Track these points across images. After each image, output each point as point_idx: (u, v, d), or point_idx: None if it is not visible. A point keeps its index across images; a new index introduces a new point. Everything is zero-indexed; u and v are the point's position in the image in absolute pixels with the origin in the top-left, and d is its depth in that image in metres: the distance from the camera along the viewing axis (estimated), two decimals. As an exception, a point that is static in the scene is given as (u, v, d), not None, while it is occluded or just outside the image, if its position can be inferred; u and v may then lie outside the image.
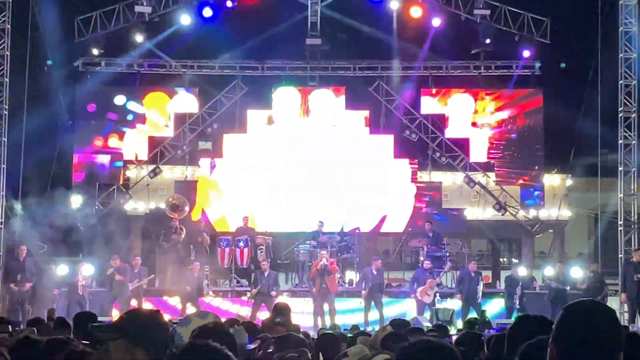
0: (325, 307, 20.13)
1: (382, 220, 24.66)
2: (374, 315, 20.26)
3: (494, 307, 21.18)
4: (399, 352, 3.15)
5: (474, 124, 25.37)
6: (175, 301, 20.96)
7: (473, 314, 19.41)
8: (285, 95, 25.45)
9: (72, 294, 20.40)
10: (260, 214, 24.09)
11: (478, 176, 25.15)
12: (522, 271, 21.78)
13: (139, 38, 24.93)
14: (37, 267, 20.53)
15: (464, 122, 25.35)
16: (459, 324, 18.21)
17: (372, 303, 20.43)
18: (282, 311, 8.50)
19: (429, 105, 25.50)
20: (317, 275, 20.22)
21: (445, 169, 25.68)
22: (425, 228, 22.94)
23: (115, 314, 18.83)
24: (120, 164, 25.30)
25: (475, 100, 25.46)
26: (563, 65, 25.34)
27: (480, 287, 20.52)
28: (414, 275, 21.26)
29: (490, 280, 24.25)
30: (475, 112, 25.41)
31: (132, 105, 25.37)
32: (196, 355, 3.37)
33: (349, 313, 20.52)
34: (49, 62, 24.30)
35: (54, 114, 24.92)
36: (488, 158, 25.35)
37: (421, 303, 20.28)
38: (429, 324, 16.95)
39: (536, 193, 25.16)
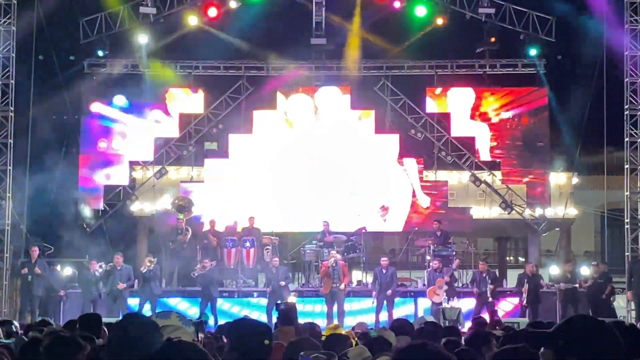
0: (335, 307, 20.07)
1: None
2: (384, 316, 20.19)
3: (504, 306, 21.13)
4: (394, 354, 3.16)
5: (476, 117, 25.27)
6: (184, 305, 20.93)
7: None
8: (297, 99, 25.42)
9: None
10: (265, 214, 24.06)
11: (484, 175, 25.11)
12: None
13: (143, 39, 24.93)
14: (49, 269, 20.61)
15: (464, 116, 25.24)
16: (467, 324, 18.15)
17: (385, 303, 20.38)
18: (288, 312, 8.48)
19: (434, 104, 25.47)
20: (327, 275, 20.17)
21: (451, 167, 25.64)
22: (433, 227, 22.92)
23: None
24: (125, 165, 25.29)
25: (480, 98, 25.41)
26: (559, 57, 25.28)
27: (490, 287, 20.48)
28: (427, 276, 21.22)
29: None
30: (477, 107, 25.36)
31: (136, 106, 25.37)
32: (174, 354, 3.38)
33: (359, 314, 20.42)
34: (72, 58, 24.55)
35: (60, 116, 24.96)
36: (494, 157, 25.30)
37: (432, 303, 20.26)
38: (435, 323, 16.93)
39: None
